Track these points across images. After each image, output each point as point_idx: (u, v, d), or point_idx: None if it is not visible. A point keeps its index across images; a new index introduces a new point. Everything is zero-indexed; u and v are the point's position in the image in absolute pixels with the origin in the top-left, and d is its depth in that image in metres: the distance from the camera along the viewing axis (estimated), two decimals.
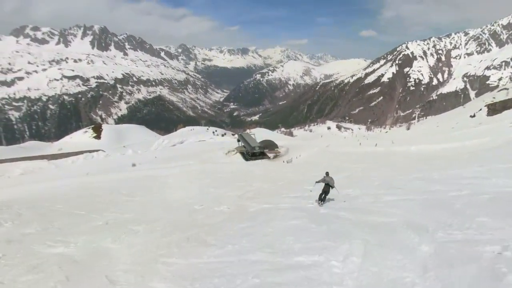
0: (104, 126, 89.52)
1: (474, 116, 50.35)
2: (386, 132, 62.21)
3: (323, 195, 13.41)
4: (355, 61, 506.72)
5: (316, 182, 14.20)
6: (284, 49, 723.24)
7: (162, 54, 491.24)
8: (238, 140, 48.47)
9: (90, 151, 70.04)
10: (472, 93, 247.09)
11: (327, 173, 14.05)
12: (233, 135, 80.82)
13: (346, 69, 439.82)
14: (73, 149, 74.60)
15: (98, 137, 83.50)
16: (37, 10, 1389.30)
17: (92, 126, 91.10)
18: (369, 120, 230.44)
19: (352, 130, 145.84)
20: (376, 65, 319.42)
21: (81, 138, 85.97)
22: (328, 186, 13.33)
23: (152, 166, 38.64)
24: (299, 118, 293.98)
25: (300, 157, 36.80)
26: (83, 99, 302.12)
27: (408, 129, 51.90)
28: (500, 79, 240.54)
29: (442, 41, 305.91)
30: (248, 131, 77.16)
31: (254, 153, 40.30)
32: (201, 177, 24.02)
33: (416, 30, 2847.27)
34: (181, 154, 51.82)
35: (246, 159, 39.85)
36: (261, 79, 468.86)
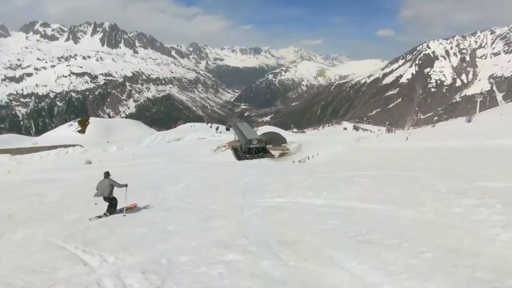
0: (91, 119, 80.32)
1: None
2: (433, 126, 50.48)
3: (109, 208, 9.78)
4: (372, 62, 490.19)
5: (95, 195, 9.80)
6: (297, 49, 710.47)
7: (173, 52, 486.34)
8: (227, 129, 36.84)
9: (65, 146, 60.47)
10: (499, 96, 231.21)
11: (106, 174, 9.86)
12: (227, 129, 68.75)
13: (361, 70, 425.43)
14: (53, 143, 65.84)
15: (83, 131, 74.26)
16: (48, 7, 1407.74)
17: (79, 119, 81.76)
18: (387, 122, 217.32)
19: (370, 131, 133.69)
20: (395, 65, 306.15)
21: (65, 132, 77.01)
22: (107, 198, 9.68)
23: (107, 165, 28.54)
24: (312, 120, 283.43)
25: (318, 156, 25.68)
26: (90, 96, 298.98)
27: (469, 121, 39.98)
28: None
29: (466, 40, 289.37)
30: (255, 129, 66.31)
31: (250, 148, 28.76)
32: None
33: (437, 30, 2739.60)
34: (162, 151, 41.87)
35: (239, 158, 28.50)
36: (274, 79, 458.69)
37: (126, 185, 9.90)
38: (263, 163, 25.30)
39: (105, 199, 9.70)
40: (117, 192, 9.82)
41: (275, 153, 30.77)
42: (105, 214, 9.65)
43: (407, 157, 18.88)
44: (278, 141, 34.02)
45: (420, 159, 17.73)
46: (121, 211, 9.81)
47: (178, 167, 20.11)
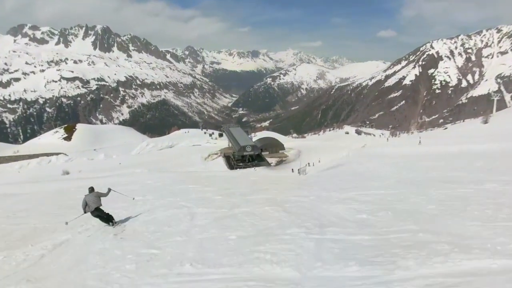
0: (78, 125, 78.49)
1: None
2: (445, 128, 48.73)
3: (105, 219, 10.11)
4: (373, 64, 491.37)
5: (85, 212, 9.97)
6: (296, 52, 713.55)
7: (168, 56, 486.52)
8: (220, 135, 35.11)
9: (48, 155, 58.56)
10: (507, 96, 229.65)
11: (90, 189, 10.12)
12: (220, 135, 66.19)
13: (363, 72, 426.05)
14: (36, 152, 63.90)
15: (69, 138, 72.35)
16: (39, 10, 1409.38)
17: (65, 125, 79.99)
18: (390, 126, 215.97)
19: (374, 135, 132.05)
20: (397, 67, 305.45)
21: (49, 139, 75.13)
22: (98, 209, 9.86)
23: (85, 176, 26.62)
24: (312, 124, 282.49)
25: (320, 163, 23.78)
26: (82, 102, 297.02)
27: (485, 122, 38.25)
28: None
29: (471, 39, 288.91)
30: (253, 134, 64.33)
31: (243, 156, 26.87)
32: None
33: (440, 30, 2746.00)
34: (150, 160, 40.03)
35: (232, 167, 26.63)
36: (272, 83, 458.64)
37: (109, 189, 10.40)
38: (257, 173, 23.40)
39: (96, 214, 9.83)
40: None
41: (272, 160, 28.88)
42: (113, 223, 10.22)
43: (438, 169, 15.77)
44: (275, 147, 32.07)
45: (465, 173, 14.17)
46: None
47: (146, 182, 17.87)
